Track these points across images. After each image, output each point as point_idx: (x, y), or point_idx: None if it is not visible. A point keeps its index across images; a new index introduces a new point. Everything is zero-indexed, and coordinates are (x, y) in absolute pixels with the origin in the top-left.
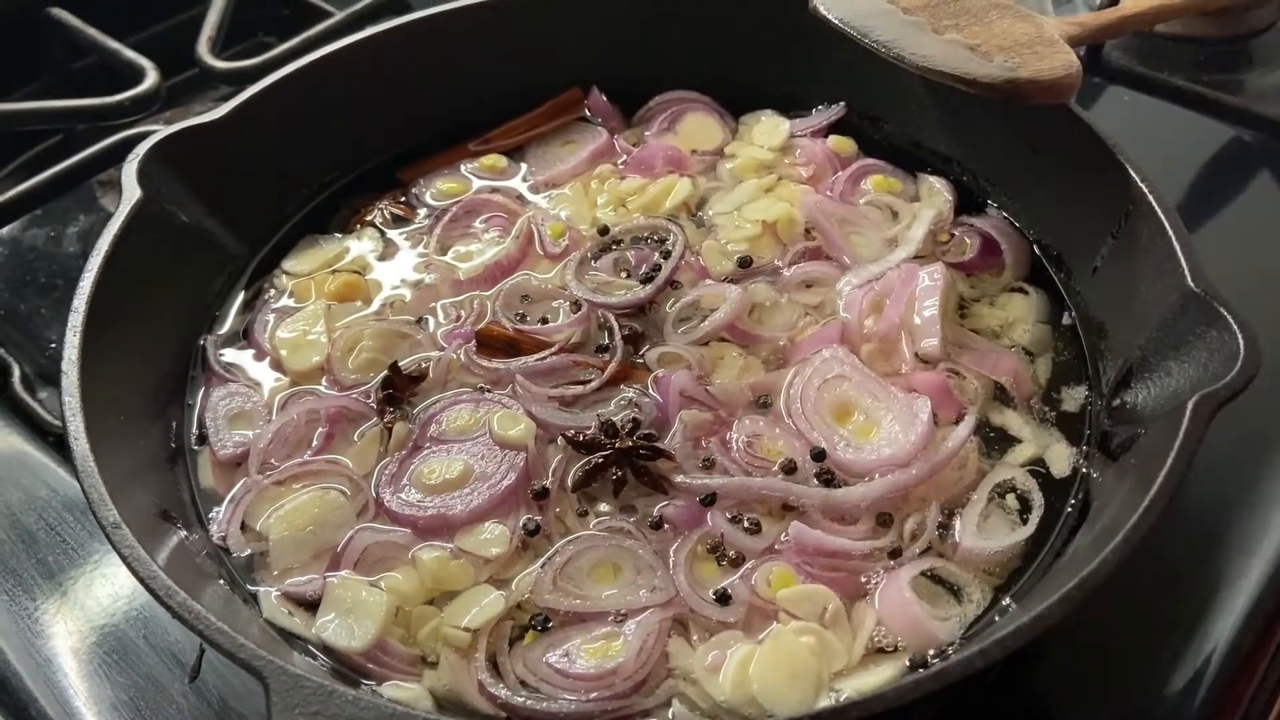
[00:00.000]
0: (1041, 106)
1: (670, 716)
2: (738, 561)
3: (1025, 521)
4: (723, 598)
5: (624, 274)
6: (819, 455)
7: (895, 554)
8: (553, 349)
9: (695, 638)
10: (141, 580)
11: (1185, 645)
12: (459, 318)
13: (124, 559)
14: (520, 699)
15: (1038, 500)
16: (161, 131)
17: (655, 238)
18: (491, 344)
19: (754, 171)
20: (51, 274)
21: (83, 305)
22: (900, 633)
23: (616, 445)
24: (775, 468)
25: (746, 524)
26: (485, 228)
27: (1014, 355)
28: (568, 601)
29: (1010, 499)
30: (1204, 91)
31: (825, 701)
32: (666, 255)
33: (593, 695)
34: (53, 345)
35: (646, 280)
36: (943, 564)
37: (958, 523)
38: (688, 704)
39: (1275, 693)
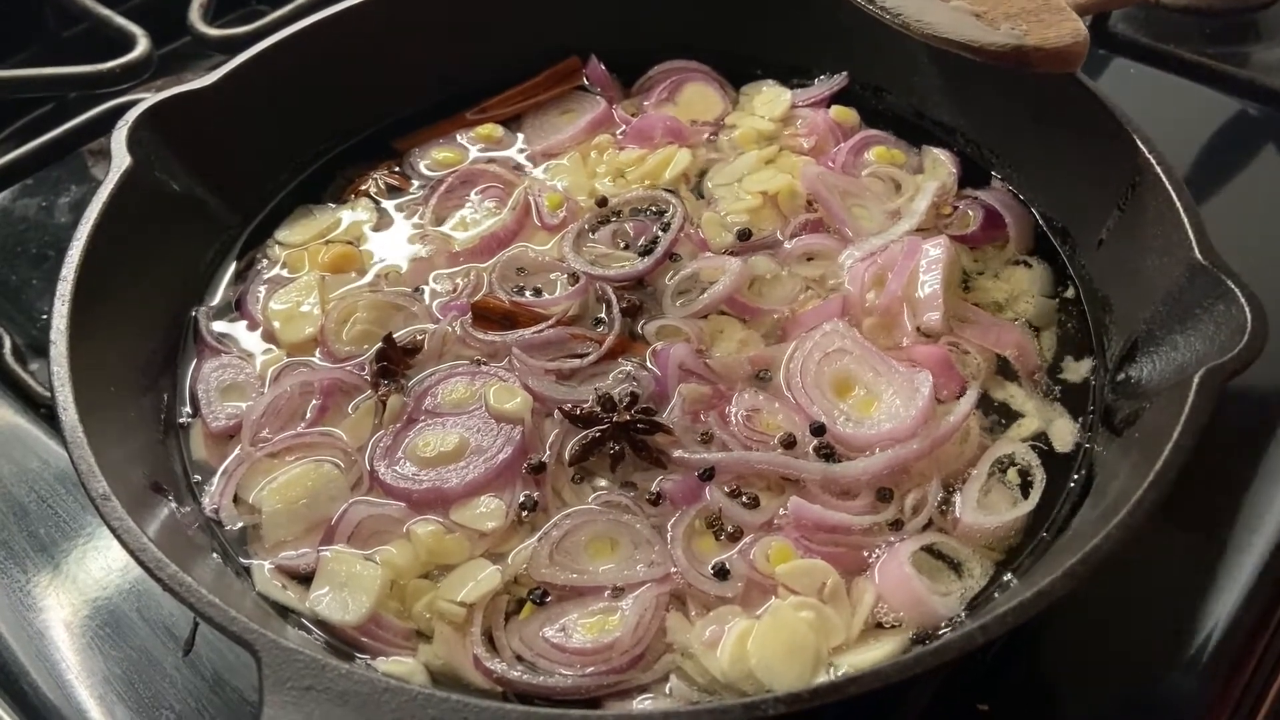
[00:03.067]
0: (1048, 76)
1: (668, 691)
2: (736, 536)
3: (1026, 497)
4: (721, 572)
5: (623, 246)
6: (819, 430)
7: (896, 525)
8: (550, 321)
9: (693, 613)
10: (131, 552)
11: (1187, 621)
12: (455, 289)
13: (113, 531)
14: (516, 673)
15: (1039, 475)
16: (151, 98)
17: (654, 209)
18: (488, 316)
19: (755, 142)
20: (43, 244)
21: (71, 274)
22: (900, 608)
23: (614, 419)
24: (774, 442)
25: (745, 499)
26: (481, 198)
27: (1018, 329)
28: (564, 576)
29: (1011, 474)
30: (1210, 64)
31: (823, 677)
32: (665, 227)
33: (589, 670)
34: (44, 316)
35: (645, 252)
36: (943, 539)
37: (958, 498)
38: (685, 679)
39: (1276, 669)
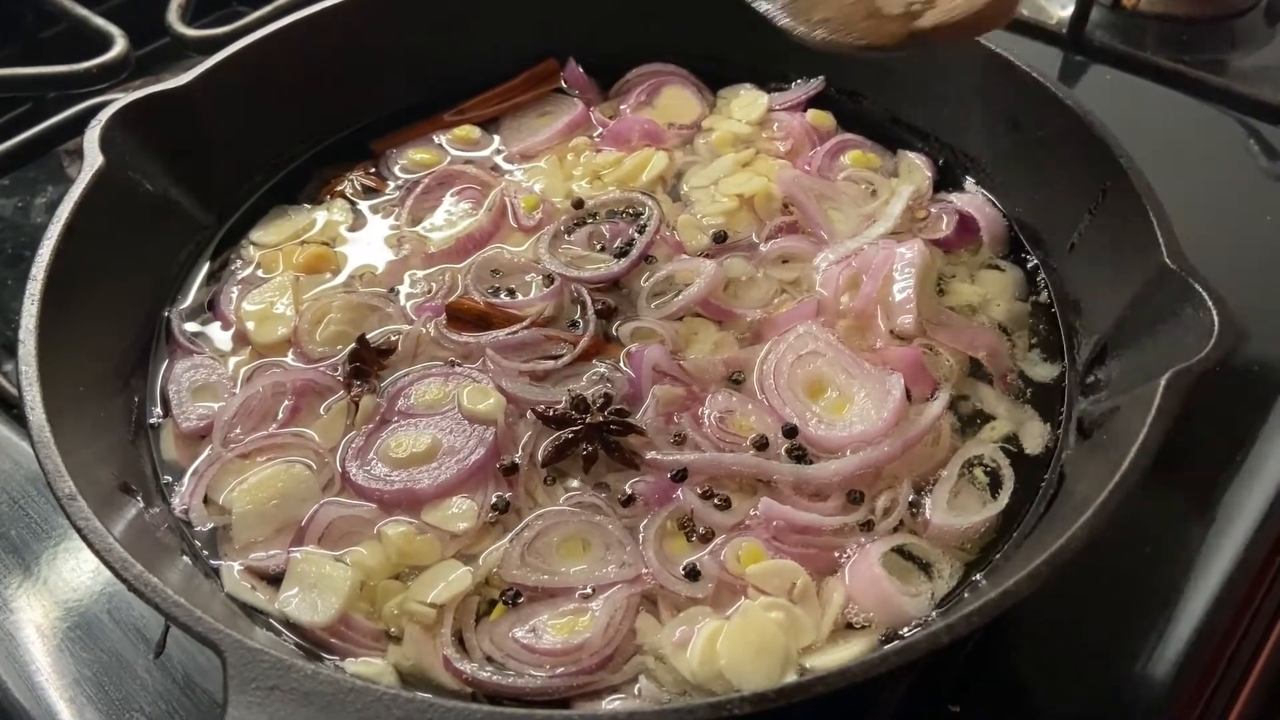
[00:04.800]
0: (1021, 84)
1: (637, 692)
2: (707, 537)
3: (996, 498)
4: (692, 573)
5: (598, 248)
6: (791, 431)
7: (867, 527)
8: (524, 323)
9: (664, 614)
10: (97, 552)
11: (1158, 623)
12: (430, 290)
13: (79, 531)
14: (486, 674)
15: (1008, 476)
16: (125, 98)
17: (630, 211)
18: (462, 317)
19: (731, 145)
20: (19, 245)
21: (41, 274)
22: (870, 608)
23: (587, 420)
24: (747, 444)
25: (717, 500)
26: (457, 200)
27: (990, 331)
28: (536, 577)
29: (981, 475)
30: (1186, 71)
31: (792, 677)
32: (641, 229)
33: (559, 670)
34: (19, 318)
35: (621, 255)
36: (914, 540)
37: (929, 499)
38: (655, 681)
39: (1247, 670)
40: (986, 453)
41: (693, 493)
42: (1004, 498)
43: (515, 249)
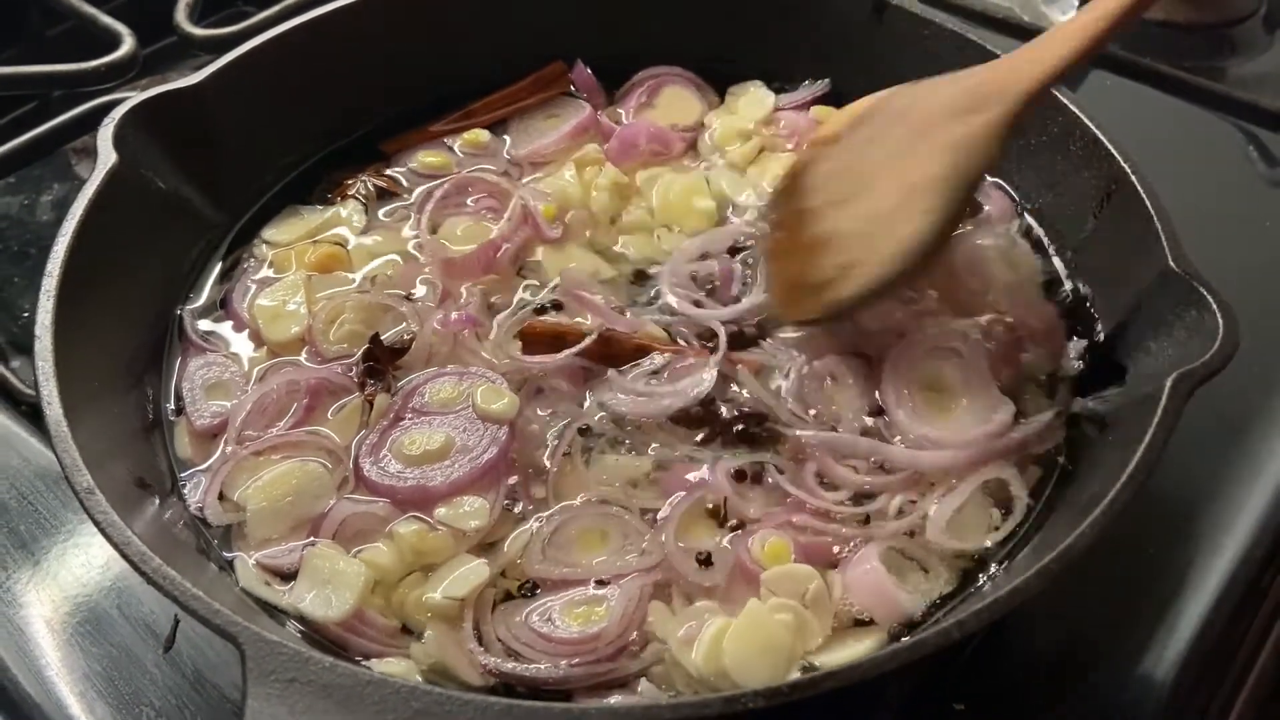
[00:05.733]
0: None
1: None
2: (738, 527)
3: (1006, 519)
4: (705, 560)
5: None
6: (876, 410)
7: (865, 521)
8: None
9: (677, 605)
10: (116, 546)
11: (1159, 623)
12: (455, 297)
13: (98, 525)
14: (510, 666)
15: (1019, 506)
16: (138, 96)
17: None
18: (537, 340)
19: (735, 140)
20: (24, 243)
21: (57, 270)
22: (867, 602)
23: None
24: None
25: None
26: (476, 206)
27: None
28: (558, 570)
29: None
30: (1186, 77)
31: (795, 677)
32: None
33: (575, 660)
34: (25, 314)
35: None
36: (911, 543)
37: (933, 509)
38: (666, 681)
39: (1248, 670)
40: (1008, 477)
41: (724, 477)
42: (1009, 525)
43: (539, 260)
